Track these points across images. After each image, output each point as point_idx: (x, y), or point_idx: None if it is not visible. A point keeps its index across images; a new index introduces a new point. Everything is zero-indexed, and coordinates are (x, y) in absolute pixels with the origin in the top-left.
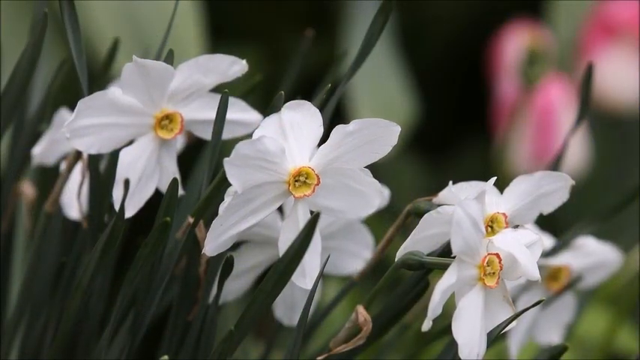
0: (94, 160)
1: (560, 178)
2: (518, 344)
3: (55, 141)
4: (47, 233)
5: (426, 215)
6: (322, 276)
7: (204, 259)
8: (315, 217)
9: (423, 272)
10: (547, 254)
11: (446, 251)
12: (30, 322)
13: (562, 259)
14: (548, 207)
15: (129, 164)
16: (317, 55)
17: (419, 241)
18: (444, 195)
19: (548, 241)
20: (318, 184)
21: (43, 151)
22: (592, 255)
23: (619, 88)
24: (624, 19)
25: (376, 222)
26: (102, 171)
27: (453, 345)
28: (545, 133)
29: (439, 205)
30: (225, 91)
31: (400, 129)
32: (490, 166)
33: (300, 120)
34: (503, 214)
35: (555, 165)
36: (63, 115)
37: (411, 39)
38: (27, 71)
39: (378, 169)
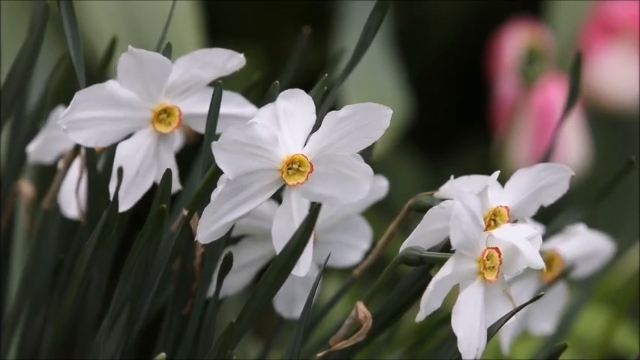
0: (91, 157)
1: (560, 169)
2: (510, 335)
3: (53, 139)
4: (45, 230)
5: (430, 210)
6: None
7: (198, 251)
8: (315, 210)
9: (424, 268)
10: None
11: (448, 246)
12: (28, 319)
13: (554, 247)
14: (549, 199)
15: (126, 158)
16: (316, 55)
17: (422, 236)
18: (445, 189)
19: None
20: (311, 172)
21: (38, 148)
22: (585, 244)
23: (619, 87)
24: (624, 19)
25: (376, 219)
26: (100, 168)
27: (453, 342)
28: (544, 132)
29: (441, 200)
30: (218, 82)
31: (392, 112)
32: (490, 165)
33: (292, 108)
34: (506, 207)
35: (547, 155)
36: (60, 113)
37: (410, 39)
38: (26, 67)
39: (378, 168)
